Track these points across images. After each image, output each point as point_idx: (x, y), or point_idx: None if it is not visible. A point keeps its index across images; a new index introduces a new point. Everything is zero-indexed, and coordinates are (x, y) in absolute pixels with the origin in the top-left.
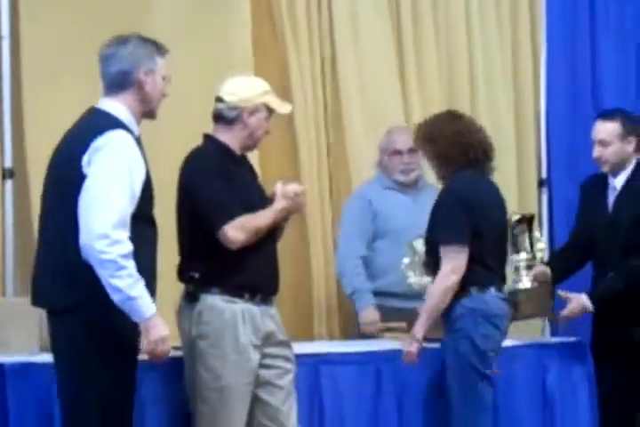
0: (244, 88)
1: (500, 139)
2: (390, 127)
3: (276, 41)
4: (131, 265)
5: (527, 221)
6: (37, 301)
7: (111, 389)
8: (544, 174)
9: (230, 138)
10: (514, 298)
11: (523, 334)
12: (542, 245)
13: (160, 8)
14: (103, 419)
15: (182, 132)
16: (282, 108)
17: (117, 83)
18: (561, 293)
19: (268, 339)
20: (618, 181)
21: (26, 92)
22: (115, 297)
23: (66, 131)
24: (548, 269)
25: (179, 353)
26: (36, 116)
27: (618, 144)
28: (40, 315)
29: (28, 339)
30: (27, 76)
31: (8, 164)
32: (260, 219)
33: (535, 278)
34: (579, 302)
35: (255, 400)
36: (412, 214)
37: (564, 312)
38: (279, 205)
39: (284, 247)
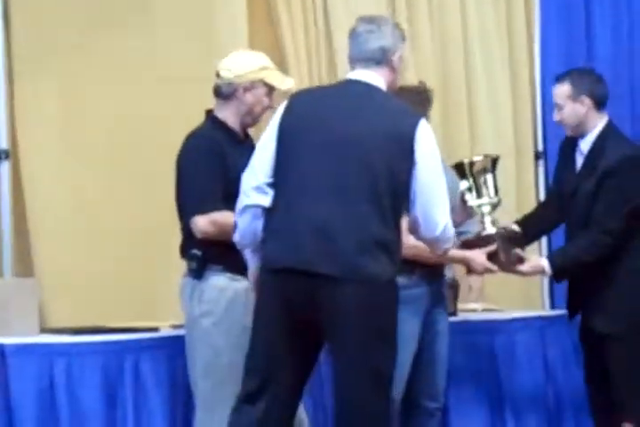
0: (241, 64)
1: (496, 112)
2: None
3: (271, 20)
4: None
5: (491, 162)
6: (336, 265)
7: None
8: (540, 147)
9: (228, 114)
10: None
11: (522, 307)
12: None
13: None
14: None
15: (181, 110)
16: (282, 84)
17: (376, 59)
18: (519, 252)
19: None
20: (584, 145)
21: (17, 75)
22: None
23: (321, 97)
24: (515, 226)
25: (181, 331)
26: (25, 100)
27: (570, 105)
28: (39, 296)
29: (28, 320)
30: (18, 57)
31: (3, 145)
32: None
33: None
34: (536, 262)
35: None
36: None
37: (521, 268)
38: None
39: None
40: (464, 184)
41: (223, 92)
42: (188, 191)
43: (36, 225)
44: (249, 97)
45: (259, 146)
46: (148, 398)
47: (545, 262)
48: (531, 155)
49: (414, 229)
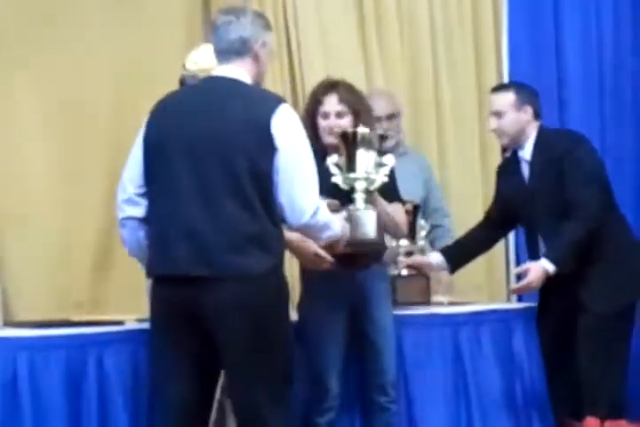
0: (206, 57)
1: (461, 108)
2: (368, 92)
3: None
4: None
5: (378, 138)
6: (207, 266)
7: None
8: None
9: None
10: (393, 283)
11: (488, 299)
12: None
13: None
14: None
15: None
16: None
17: (236, 50)
18: (516, 270)
19: None
20: (526, 153)
21: None
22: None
23: (183, 98)
24: (427, 259)
25: (147, 325)
26: None
27: (513, 113)
28: (1, 289)
29: None
30: None
31: None
32: None
33: (412, 266)
34: (538, 267)
35: None
36: None
37: (523, 282)
38: None
39: None
40: (333, 158)
41: (187, 84)
42: None
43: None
44: None
45: (129, 157)
46: (111, 392)
47: (545, 263)
48: (497, 155)
49: (284, 218)
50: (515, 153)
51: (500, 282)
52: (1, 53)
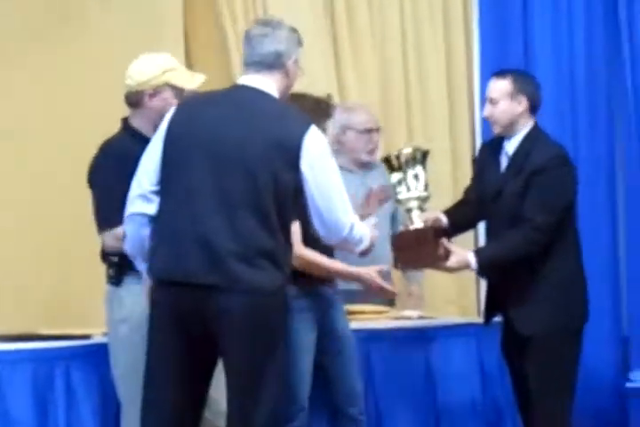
0: (142, 70)
1: (433, 114)
2: (348, 104)
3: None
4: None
5: (421, 155)
6: (221, 275)
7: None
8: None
9: (141, 122)
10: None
11: (458, 315)
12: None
13: None
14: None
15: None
16: (189, 83)
17: (269, 63)
18: (445, 243)
19: None
20: (510, 146)
21: None
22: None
23: (207, 103)
24: (442, 216)
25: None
26: None
27: (507, 102)
28: None
29: None
30: None
31: None
32: None
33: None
34: (462, 257)
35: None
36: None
37: (448, 264)
38: None
39: None
40: (395, 177)
41: (131, 101)
42: (95, 207)
43: None
44: (156, 102)
45: (145, 153)
46: (79, 406)
47: (471, 256)
48: (468, 158)
49: (320, 236)
50: (502, 140)
51: (471, 297)
52: None
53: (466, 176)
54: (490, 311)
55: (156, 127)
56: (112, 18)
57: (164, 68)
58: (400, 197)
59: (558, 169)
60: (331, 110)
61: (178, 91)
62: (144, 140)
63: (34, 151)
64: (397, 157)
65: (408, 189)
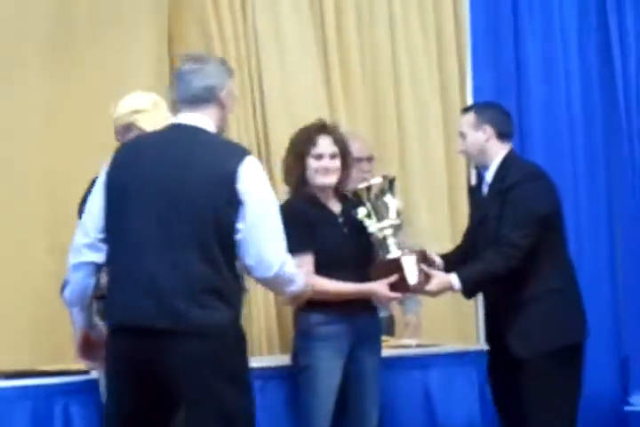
0: (120, 106)
1: (429, 158)
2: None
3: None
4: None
5: (388, 183)
6: (170, 319)
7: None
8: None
9: None
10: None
11: (457, 341)
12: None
13: None
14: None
15: None
16: (152, 127)
17: (202, 98)
18: (425, 269)
19: None
20: (489, 175)
21: None
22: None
23: (146, 145)
24: (436, 257)
25: None
26: None
27: (472, 134)
28: None
29: None
30: None
31: None
32: None
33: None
34: (443, 279)
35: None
36: None
37: (427, 287)
38: None
39: None
40: (362, 211)
41: (115, 134)
42: None
43: None
44: (128, 138)
45: (90, 198)
46: None
47: (453, 277)
48: (464, 188)
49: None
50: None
51: (469, 324)
52: None
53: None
54: (490, 339)
55: None
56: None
57: (135, 109)
58: (372, 229)
59: (528, 184)
60: None
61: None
62: None
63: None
64: (368, 189)
65: (380, 219)
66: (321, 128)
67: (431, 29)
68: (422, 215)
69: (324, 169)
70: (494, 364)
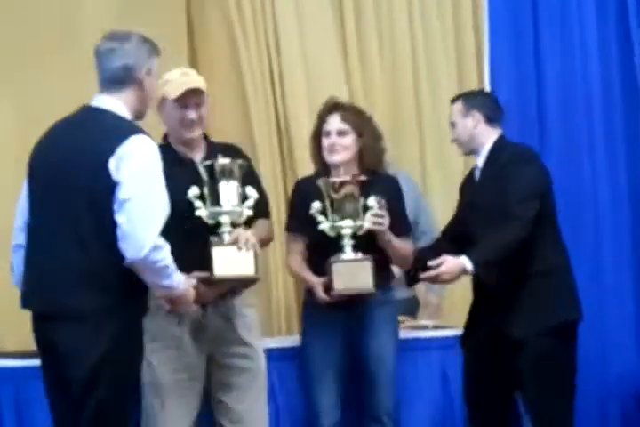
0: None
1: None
2: None
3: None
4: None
5: (359, 184)
6: (47, 304)
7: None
8: None
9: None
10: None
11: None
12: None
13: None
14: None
15: None
16: (173, 93)
17: (119, 79)
18: (432, 262)
19: (215, 337)
20: (480, 160)
21: None
22: (162, 293)
23: (54, 130)
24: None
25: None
26: None
27: (462, 121)
28: None
29: None
30: None
31: None
32: None
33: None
34: (454, 263)
35: (213, 401)
36: None
37: (433, 271)
38: None
39: None
40: (316, 205)
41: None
42: None
43: None
44: (163, 116)
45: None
46: None
47: (464, 259)
48: None
49: (122, 253)
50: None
51: None
52: None
53: None
54: (470, 330)
55: (177, 139)
56: None
57: (164, 80)
58: (322, 226)
59: (523, 163)
60: None
61: (181, 103)
62: (173, 153)
63: None
64: (334, 185)
65: (341, 218)
66: (332, 106)
67: (448, 16)
68: (436, 202)
69: (330, 146)
70: (476, 350)
